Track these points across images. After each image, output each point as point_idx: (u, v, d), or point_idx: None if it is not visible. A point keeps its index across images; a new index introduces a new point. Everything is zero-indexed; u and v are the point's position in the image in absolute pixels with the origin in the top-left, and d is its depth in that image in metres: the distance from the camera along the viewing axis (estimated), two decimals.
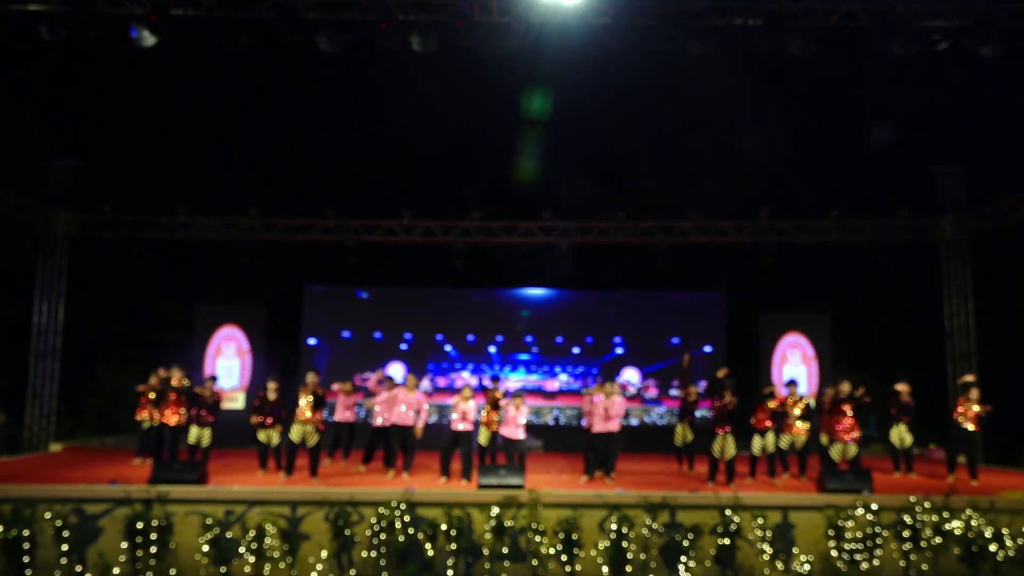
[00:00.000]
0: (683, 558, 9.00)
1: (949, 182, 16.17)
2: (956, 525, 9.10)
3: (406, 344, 19.08)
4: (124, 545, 8.89)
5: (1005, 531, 9.07)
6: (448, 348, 19.32)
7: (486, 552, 9.04)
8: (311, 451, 10.85)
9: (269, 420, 11.42)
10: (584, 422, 12.06)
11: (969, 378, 12.52)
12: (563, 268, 16.97)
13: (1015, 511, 9.29)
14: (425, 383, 18.73)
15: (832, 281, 17.87)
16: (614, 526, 9.02)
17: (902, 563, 9.14)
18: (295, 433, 10.84)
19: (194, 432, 11.83)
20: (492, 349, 19.30)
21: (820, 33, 10.81)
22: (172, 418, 11.74)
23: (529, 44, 10.95)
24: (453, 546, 8.96)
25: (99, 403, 17.77)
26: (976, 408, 11.54)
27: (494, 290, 19.60)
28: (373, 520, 9.04)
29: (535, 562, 8.99)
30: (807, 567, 9.06)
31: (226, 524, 9.08)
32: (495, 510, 9.09)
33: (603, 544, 9.05)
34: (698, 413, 13.69)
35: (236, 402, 17.28)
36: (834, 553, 9.08)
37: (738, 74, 13.42)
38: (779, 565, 9.04)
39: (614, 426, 11.49)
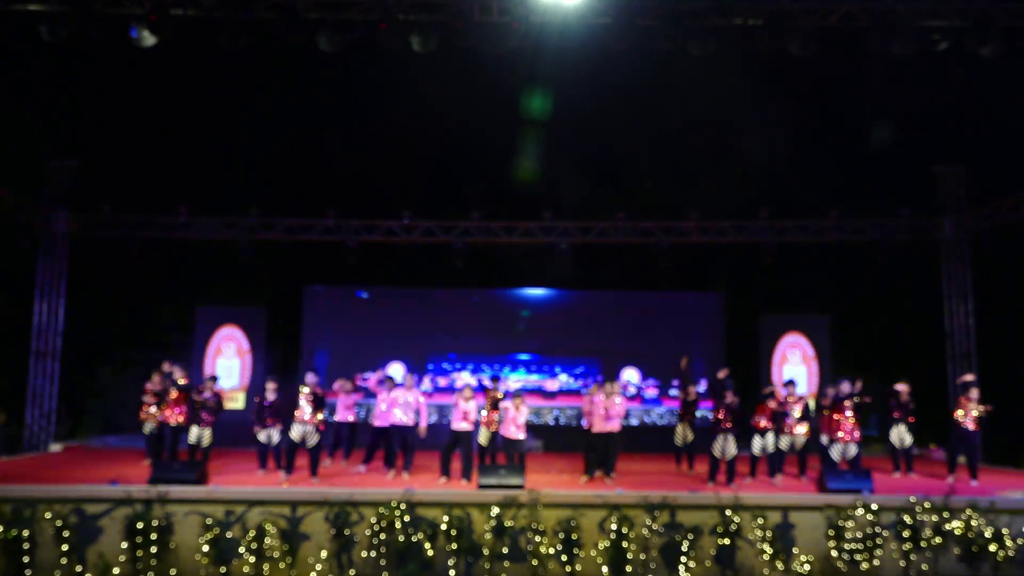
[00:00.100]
0: (683, 558, 9.01)
1: (949, 182, 16.17)
2: (956, 525, 9.11)
3: (406, 344, 19.07)
4: (124, 545, 8.90)
5: (1005, 531, 9.08)
6: (448, 348, 19.32)
7: (486, 552, 9.04)
8: (311, 451, 10.86)
9: (268, 420, 11.43)
10: (584, 422, 12.06)
11: (969, 378, 12.53)
12: (563, 268, 16.97)
13: (1015, 511, 9.30)
14: (425, 383, 18.73)
15: (832, 281, 17.85)
16: (614, 526, 9.02)
17: (902, 563, 9.14)
18: (295, 433, 10.84)
19: (194, 432, 11.85)
20: (492, 349, 19.30)
21: (820, 33, 10.81)
22: (173, 417, 11.74)
23: (529, 44, 10.94)
24: (453, 546, 8.96)
25: (99, 403, 17.75)
26: (976, 411, 11.53)
27: (494, 290, 19.59)
28: (373, 520, 9.05)
29: (535, 562, 8.99)
30: (807, 567, 9.06)
31: (226, 524, 9.08)
32: (495, 510, 9.10)
33: (603, 544, 9.05)
34: (698, 413, 13.69)
35: (236, 402, 17.28)
36: (834, 553, 9.09)
37: (738, 74, 13.39)
38: (779, 565, 9.04)
39: (614, 426, 11.49)
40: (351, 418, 13.08)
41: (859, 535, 9.11)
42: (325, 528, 9.13)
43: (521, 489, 9.52)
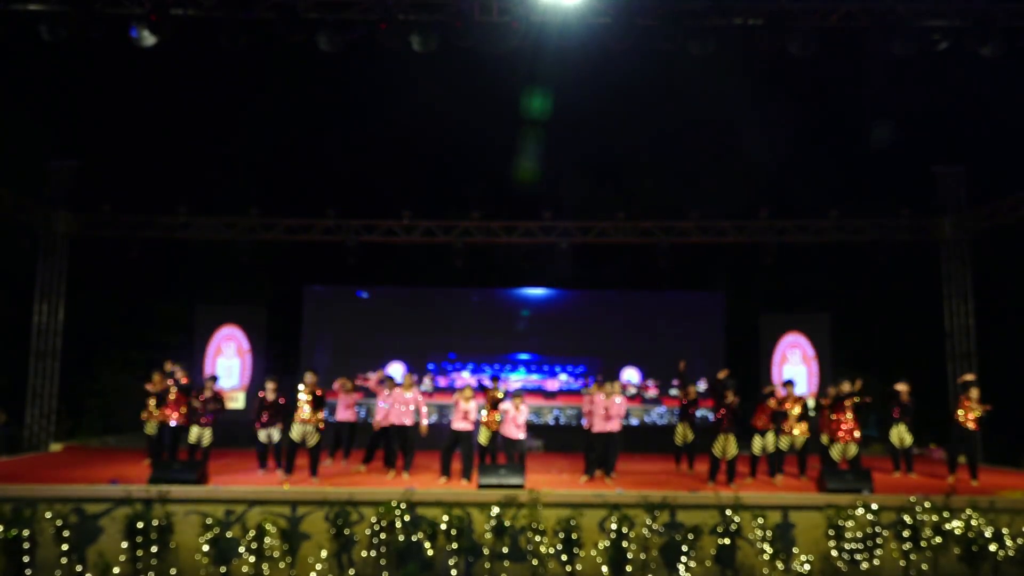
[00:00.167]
0: (683, 558, 9.01)
1: (949, 182, 16.17)
2: (956, 525, 9.10)
3: (406, 344, 19.08)
4: (124, 545, 8.90)
5: (1005, 531, 9.07)
6: (448, 348, 19.33)
7: (486, 552, 9.04)
8: (311, 451, 10.85)
9: (268, 419, 11.44)
10: (584, 422, 12.06)
11: (969, 377, 12.52)
12: (563, 268, 16.97)
13: (1015, 511, 9.30)
14: (425, 383, 18.74)
15: (832, 281, 17.88)
16: (614, 526, 9.02)
17: (902, 563, 9.14)
18: (295, 433, 10.84)
19: (194, 432, 11.84)
20: (492, 349, 19.31)
21: (820, 33, 10.81)
22: (173, 417, 11.74)
23: (529, 44, 10.94)
24: (453, 546, 8.96)
25: (99, 403, 17.77)
26: (976, 411, 11.53)
27: (494, 290, 19.61)
28: (373, 520, 9.04)
29: (535, 562, 8.99)
30: (807, 567, 9.06)
31: (226, 524, 9.08)
32: (495, 510, 9.10)
33: (603, 544, 9.05)
34: (698, 413, 13.69)
35: (236, 402, 17.29)
36: (834, 553, 9.09)
37: (738, 74, 13.41)
38: (779, 565, 9.04)
39: (614, 426, 11.49)
40: (351, 418, 13.08)
41: (859, 535, 9.10)
42: (325, 528, 9.13)
43: (521, 489, 9.52)
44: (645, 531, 9.10)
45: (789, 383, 12.08)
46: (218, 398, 12.03)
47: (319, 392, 11.00)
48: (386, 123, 15.66)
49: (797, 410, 11.76)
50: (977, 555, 9.01)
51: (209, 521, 9.02)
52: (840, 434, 11.19)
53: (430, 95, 14.56)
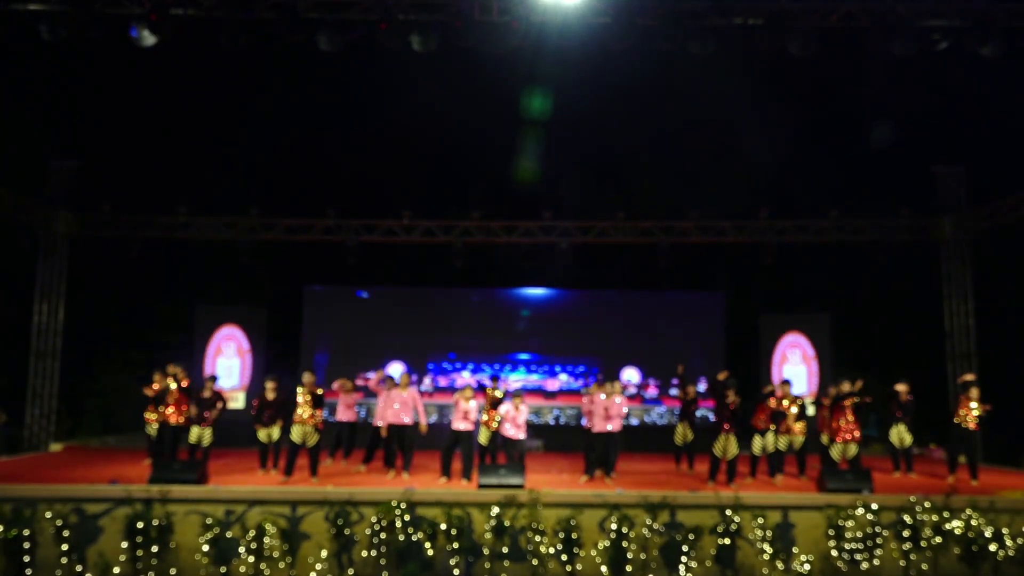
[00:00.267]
0: (683, 558, 9.01)
1: (949, 182, 16.17)
2: (956, 525, 9.10)
3: (406, 344, 19.09)
4: (124, 545, 8.90)
5: (1005, 531, 9.07)
6: (448, 348, 19.33)
7: (486, 552, 9.04)
8: (311, 451, 10.85)
9: (269, 419, 11.45)
10: (584, 422, 12.07)
11: (969, 377, 12.51)
12: (563, 268, 16.98)
13: (1015, 511, 9.30)
14: (425, 383, 18.74)
15: (832, 281, 17.87)
16: (614, 526, 9.02)
17: (902, 563, 9.14)
18: (295, 434, 10.84)
19: (194, 432, 11.85)
20: (492, 349, 19.30)
21: (820, 33, 10.81)
22: (173, 417, 11.74)
23: (529, 44, 10.94)
24: (453, 546, 8.96)
25: (99, 403, 17.77)
26: (976, 411, 11.53)
27: (494, 290, 19.61)
28: (373, 520, 9.05)
29: (535, 562, 8.99)
30: (807, 567, 9.06)
31: (226, 524, 9.08)
32: (495, 510, 9.10)
33: (603, 544, 9.05)
34: (698, 413, 13.69)
35: (236, 402, 17.29)
36: (834, 553, 9.09)
37: (738, 74, 13.41)
38: (779, 565, 9.04)
39: (615, 426, 11.49)
40: (351, 418, 13.08)
41: (859, 535, 9.10)
42: (325, 528, 9.13)
43: (521, 489, 9.52)
44: (645, 531, 9.10)
45: (786, 383, 12.08)
46: (219, 397, 12.04)
47: (318, 392, 11.00)
48: (386, 123, 15.67)
49: (795, 410, 11.76)
50: (977, 555, 9.01)
51: (209, 521, 9.02)
52: (840, 434, 11.19)
53: (430, 95, 14.56)
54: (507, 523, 9.06)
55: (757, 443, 11.68)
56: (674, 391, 17.98)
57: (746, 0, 10.77)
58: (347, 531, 9.05)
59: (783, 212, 16.55)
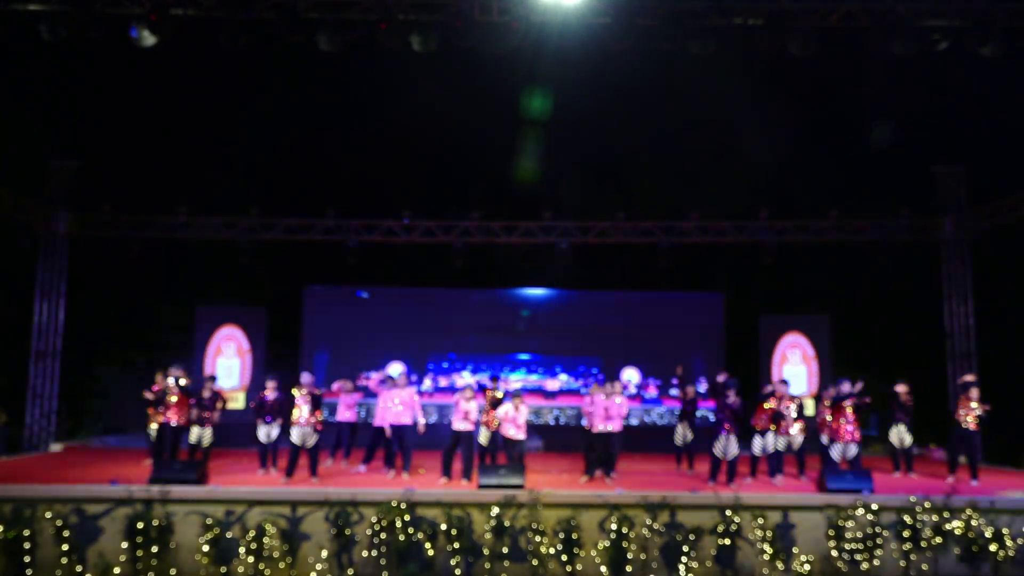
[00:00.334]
0: (683, 558, 9.01)
1: (949, 182, 16.17)
2: (956, 525, 9.11)
3: (406, 344, 19.08)
4: (124, 545, 8.90)
5: (1005, 531, 9.08)
6: (448, 348, 19.32)
7: (486, 552, 9.04)
8: (310, 451, 10.85)
9: (269, 417, 11.46)
10: (584, 422, 12.07)
11: (969, 378, 12.52)
12: (563, 268, 16.98)
13: (1015, 511, 9.30)
14: (426, 383, 18.74)
15: (832, 281, 17.86)
16: (614, 526, 9.02)
17: (902, 563, 9.14)
18: (294, 435, 10.84)
19: (194, 432, 11.86)
20: (492, 349, 19.30)
21: (820, 33, 10.82)
22: (174, 418, 11.75)
23: (529, 44, 10.94)
24: (453, 546, 8.96)
25: (99, 403, 17.75)
26: (976, 410, 11.54)
27: (494, 290, 19.60)
28: (373, 520, 9.05)
29: (535, 562, 9.00)
30: (807, 567, 9.06)
31: (226, 524, 9.08)
32: (495, 510, 9.10)
33: (603, 544, 9.05)
34: (698, 413, 13.69)
35: (236, 402, 17.28)
36: (834, 553, 9.09)
37: (738, 74, 13.39)
38: (779, 565, 9.04)
39: (615, 426, 11.49)
40: (352, 418, 13.08)
41: (859, 535, 9.11)
42: (325, 528, 9.13)
43: (521, 489, 9.52)
44: (645, 531, 9.10)
45: (783, 383, 12.10)
46: (218, 397, 12.04)
47: (316, 393, 11.00)
48: (386, 123, 15.64)
49: (793, 409, 11.76)
50: (977, 555, 9.02)
51: (209, 521, 9.02)
52: (840, 434, 11.19)
53: (430, 95, 14.54)
54: (507, 523, 9.06)
55: (757, 443, 11.68)
56: (674, 391, 17.97)
57: (746, 0, 10.77)
58: (347, 531, 9.05)
59: (783, 212, 16.55)
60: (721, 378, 11.65)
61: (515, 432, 11.26)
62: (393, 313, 19.30)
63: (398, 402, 11.54)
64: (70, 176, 15.99)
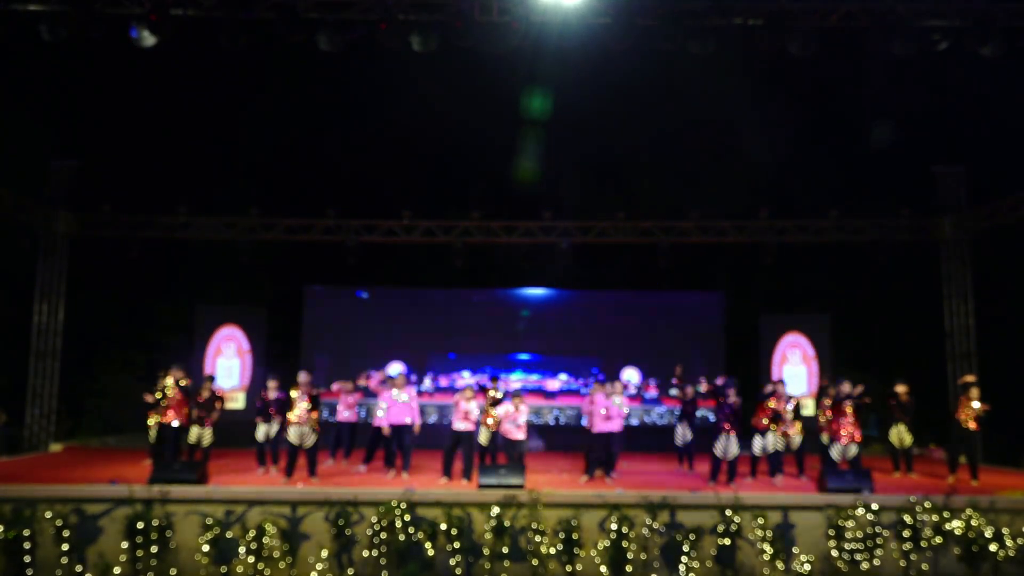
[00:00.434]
0: (683, 558, 9.01)
1: (949, 182, 16.17)
2: (956, 525, 9.11)
3: (406, 344, 19.08)
4: (124, 545, 8.90)
5: (1005, 531, 9.07)
6: (448, 348, 19.32)
7: (486, 552, 9.04)
8: (308, 451, 10.85)
9: (270, 417, 11.48)
10: (585, 421, 12.07)
11: (969, 378, 12.53)
12: (563, 268, 16.98)
13: (1015, 511, 9.30)
14: (426, 383, 18.73)
15: (832, 281, 17.87)
16: (614, 526, 9.02)
17: (902, 563, 9.14)
18: (292, 435, 10.83)
19: (194, 432, 11.86)
20: (492, 349, 19.29)
21: (820, 33, 10.81)
22: (175, 418, 11.75)
23: (529, 44, 10.94)
24: (454, 546, 8.96)
25: (99, 403, 17.76)
26: (976, 405, 11.55)
27: (494, 290, 19.61)
28: (373, 520, 9.05)
29: (535, 562, 8.99)
30: (807, 567, 9.06)
31: (226, 524, 9.08)
32: (495, 510, 9.10)
33: (603, 544, 9.05)
34: (698, 413, 13.69)
35: (236, 402, 17.28)
36: (834, 553, 9.09)
37: (738, 74, 13.39)
38: (779, 565, 9.04)
39: (615, 426, 11.49)
40: (352, 418, 13.08)
41: (859, 535, 9.11)
42: (325, 528, 9.13)
43: (521, 489, 9.52)
44: (645, 531, 9.10)
45: (780, 382, 12.11)
46: (217, 397, 12.05)
47: (314, 392, 11.00)
48: (386, 123, 15.65)
49: (790, 408, 11.76)
50: (977, 555, 9.01)
51: (209, 521, 9.02)
52: (840, 434, 11.19)
53: (430, 95, 14.55)
54: (507, 523, 9.06)
55: (757, 443, 11.68)
56: (674, 391, 17.98)
57: (746, 0, 10.77)
58: (347, 531, 9.05)
59: (783, 212, 16.55)
60: (720, 381, 11.67)
61: (515, 432, 11.26)
62: (393, 313, 19.31)
63: (399, 405, 11.53)
64: (70, 176, 15.98)
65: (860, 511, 9.17)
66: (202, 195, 16.51)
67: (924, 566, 9.15)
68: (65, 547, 8.97)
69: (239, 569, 8.95)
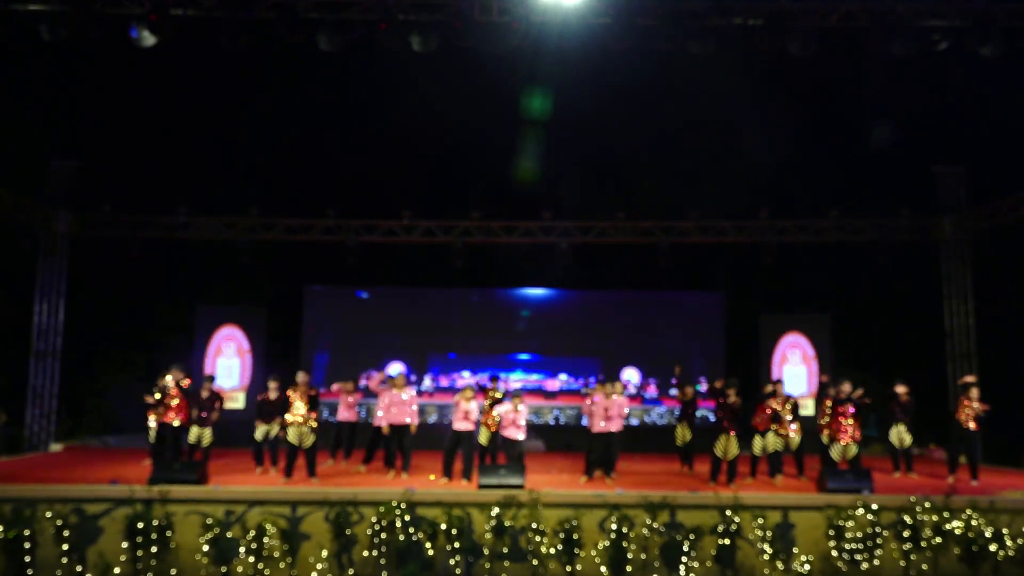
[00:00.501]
0: (683, 558, 9.00)
1: (949, 182, 16.17)
2: (956, 525, 9.10)
3: (406, 344, 19.08)
4: (124, 545, 8.90)
5: (1005, 531, 9.07)
6: (448, 348, 19.32)
7: (486, 552, 9.04)
8: (307, 452, 10.83)
9: (271, 417, 11.48)
10: (585, 421, 12.07)
11: (970, 379, 12.52)
12: (563, 268, 16.98)
13: (1015, 511, 9.29)
14: (426, 383, 18.73)
15: (832, 281, 17.88)
16: (614, 526, 9.02)
17: (902, 563, 9.14)
18: (291, 435, 10.82)
19: (194, 432, 11.85)
20: (492, 349, 19.29)
21: (820, 33, 10.81)
22: (175, 418, 11.75)
23: (529, 44, 10.94)
24: (454, 546, 8.96)
25: (99, 403, 17.77)
26: (976, 405, 11.54)
27: (494, 290, 19.61)
28: (373, 520, 9.05)
29: (535, 562, 8.99)
30: (807, 567, 9.06)
31: (226, 524, 9.08)
32: (495, 510, 9.10)
33: (603, 544, 9.05)
34: (698, 413, 13.69)
35: (236, 402, 17.28)
36: (834, 553, 9.09)
37: (738, 74, 13.41)
38: (779, 565, 9.04)
39: (615, 426, 11.49)
40: (352, 418, 13.07)
41: (859, 535, 9.10)
42: (325, 528, 9.13)
43: (521, 489, 9.52)
44: (645, 531, 9.10)
45: (777, 382, 12.10)
46: (216, 397, 12.04)
47: (312, 393, 10.99)
48: (386, 123, 15.67)
49: (788, 410, 11.75)
50: (977, 555, 9.01)
51: (209, 521, 9.02)
52: (840, 434, 11.19)
53: (430, 95, 14.57)
54: (507, 523, 9.06)
55: (757, 443, 11.67)
56: (674, 391, 17.97)
57: (746, 0, 10.77)
58: (347, 531, 9.05)
59: (783, 212, 16.55)
60: (719, 384, 11.68)
61: (515, 432, 11.26)
62: (393, 313, 19.31)
63: (400, 404, 11.52)
64: (70, 176, 15.99)
65: (860, 511, 9.17)
66: (202, 195, 16.52)
67: (924, 566, 9.15)
68: (65, 547, 8.96)
69: (239, 569, 8.95)
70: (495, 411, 11.32)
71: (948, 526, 9.10)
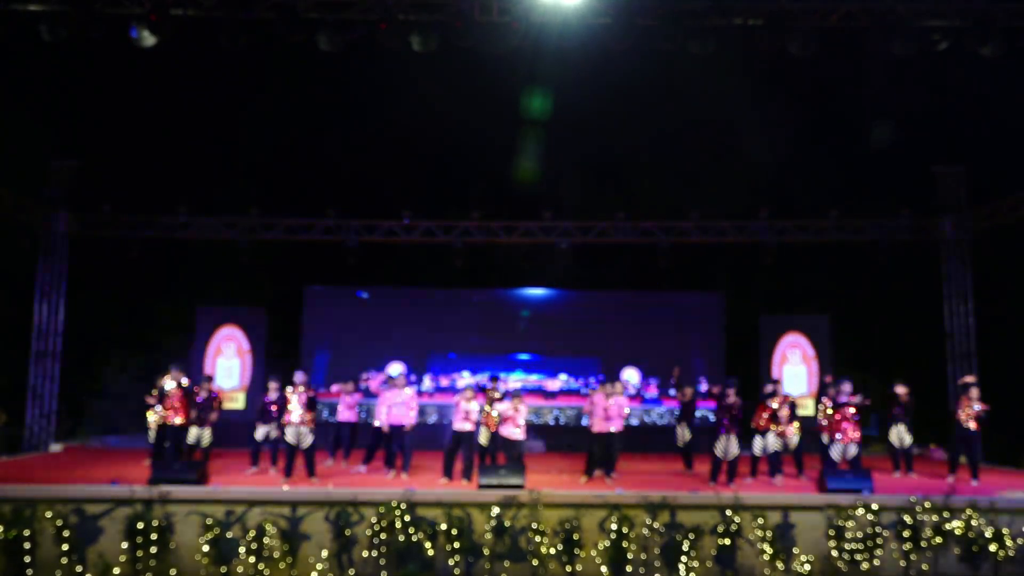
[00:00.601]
0: (683, 558, 9.00)
1: (949, 182, 16.17)
2: (956, 525, 9.11)
3: (406, 344, 19.07)
4: (124, 545, 8.90)
5: (1005, 531, 9.08)
6: (448, 348, 19.30)
7: (486, 552, 9.04)
8: (306, 452, 10.84)
9: (271, 417, 11.49)
10: (585, 421, 12.07)
11: (969, 379, 12.54)
12: (563, 268, 16.98)
13: (1015, 511, 9.30)
14: (426, 383, 18.72)
15: (832, 281, 17.86)
16: (614, 526, 9.02)
17: (902, 563, 9.14)
18: (289, 435, 10.83)
19: (194, 432, 11.87)
20: (492, 349, 19.29)
21: (820, 33, 10.82)
22: (175, 418, 11.76)
23: (529, 44, 10.95)
24: (454, 546, 8.96)
25: (99, 403, 17.75)
26: (976, 406, 11.55)
27: (494, 290, 19.60)
28: (373, 520, 9.05)
29: (535, 562, 9.00)
30: (807, 567, 9.06)
31: (226, 524, 9.08)
32: (495, 510, 9.10)
33: (603, 544, 9.05)
34: (698, 413, 13.68)
35: (236, 402, 17.27)
36: (834, 553, 9.09)
37: (738, 74, 13.39)
38: (779, 565, 9.04)
39: (615, 426, 11.49)
40: (352, 418, 13.08)
41: (859, 535, 9.11)
42: (325, 528, 9.13)
43: (521, 489, 9.52)
44: (645, 531, 9.10)
45: (776, 382, 12.11)
46: (215, 397, 12.05)
47: (310, 392, 11.00)
48: (386, 123, 15.64)
49: (786, 410, 11.76)
50: (977, 555, 9.02)
51: (209, 521, 9.02)
52: (840, 434, 11.19)
53: (430, 95, 14.54)
54: (507, 523, 9.06)
55: (758, 443, 11.68)
56: (674, 391, 17.96)
57: (746, 0, 10.77)
58: (347, 531, 9.05)
59: (783, 212, 16.55)
60: (716, 390, 11.69)
61: (515, 432, 11.26)
62: (393, 313, 19.30)
63: (398, 406, 11.53)
64: (70, 176, 15.99)
65: (860, 511, 9.17)
66: (202, 195, 16.52)
67: (924, 566, 9.15)
68: (65, 547, 8.97)
69: (239, 569, 8.95)
70: (495, 411, 11.32)
71: (948, 526, 9.10)
